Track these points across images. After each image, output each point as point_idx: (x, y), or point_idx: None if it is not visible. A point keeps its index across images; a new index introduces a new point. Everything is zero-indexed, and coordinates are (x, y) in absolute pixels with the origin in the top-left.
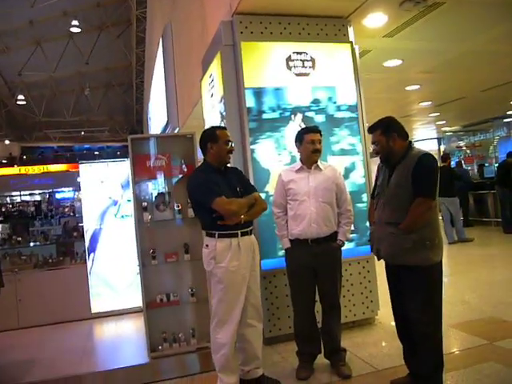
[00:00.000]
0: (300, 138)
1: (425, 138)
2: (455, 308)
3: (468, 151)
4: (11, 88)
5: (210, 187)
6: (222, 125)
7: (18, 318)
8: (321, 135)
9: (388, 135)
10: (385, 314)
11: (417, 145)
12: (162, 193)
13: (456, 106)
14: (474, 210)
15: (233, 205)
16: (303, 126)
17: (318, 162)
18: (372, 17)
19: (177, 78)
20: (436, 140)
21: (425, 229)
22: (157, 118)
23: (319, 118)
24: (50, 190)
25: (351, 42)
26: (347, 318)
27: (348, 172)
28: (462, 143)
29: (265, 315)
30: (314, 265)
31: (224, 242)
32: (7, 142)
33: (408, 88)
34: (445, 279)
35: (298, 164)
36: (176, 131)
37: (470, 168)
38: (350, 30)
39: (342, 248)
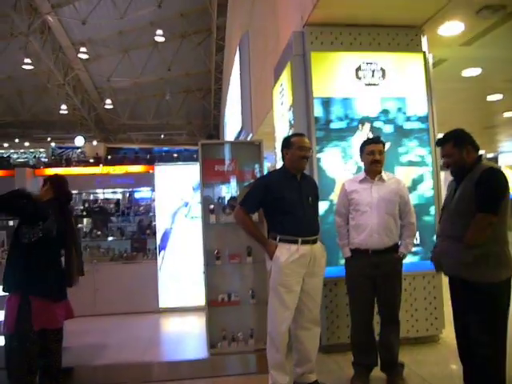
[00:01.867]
0: (362, 148)
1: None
2: None
3: None
4: (100, 93)
5: (252, 193)
6: (291, 133)
7: (94, 305)
8: (383, 146)
9: (461, 147)
10: (450, 332)
11: (504, 157)
12: (229, 197)
13: None
14: None
15: (242, 223)
16: (371, 136)
17: (382, 173)
18: (447, 25)
19: (252, 85)
20: None
21: (489, 244)
22: (232, 123)
23: (387, 129)
24: (129, 190)
25: (424, 52)
26: (409, 333)
27: (416, 184)
28: None
29: (323, 323)
30: (373, 275)
31: (283, 246)
32: (95, 142)
33: (490, 98)
34: None
35: (362, 174)
36: (249, 138)
37: None
38: (424, 40)
39: (407, 261)
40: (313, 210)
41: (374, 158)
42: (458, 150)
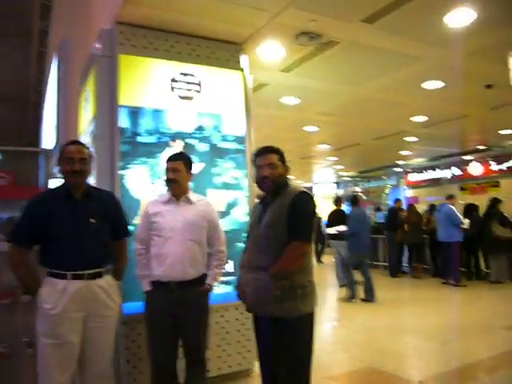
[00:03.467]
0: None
1: (324, 181)
2: (336, 357)
3: (364, 197)
4: None
5: (20, 222)
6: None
7: None
8: (184, 163)
9: (283, 164)
10: None
11: (317, 188)
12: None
13: (352, 152)
14: None
15: (10, 263)
16: None
17: (190, 194)
18: (268, 47)
19: (68, 96)
20: (335, 184)
21: (297, 275)
22: (48, 137)
23: (202, 147)
24: None
25: (243, 70)
26: (221, 369)
27: (230, 208)
28: (358, 188)
29: (124, 368)
30: (176, 312)
31: (49, 283)
32: None
33: (306, 129)
34: (331, 324)
35: (168, 195)
36: None
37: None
38: (244, 58)
39: (219, 292)
40: (96, 237)
41: (167, 177)
42: (281, 165)
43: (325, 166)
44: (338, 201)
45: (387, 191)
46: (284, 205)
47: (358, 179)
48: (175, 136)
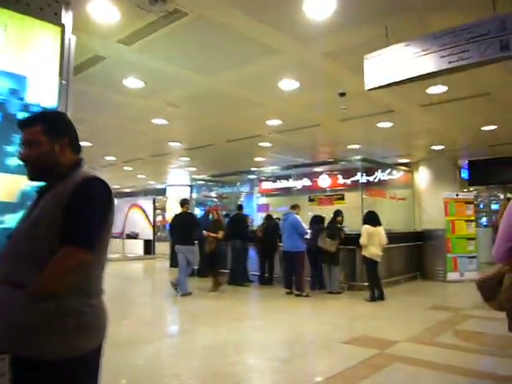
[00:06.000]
0: None
1: (178, 183)
2: None
3: (219, 202)
4: None
5: None
6: None
7: None
8: None
9: (56, 137)
10: None
11: (170, 190)
12: None
13: (205, 153)
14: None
15: None
16: None
17: None
18: (99, 6)
19: None
20: (189, 187)
21: (70, 297)
22: None
23: None
24: None
25: (63, 26)
26: None
27: (26, 199)
28: (212, 193)
29: None
30: None
31: None
32: None
33: (155, 121)
34: (166, 342)
35: None
36: None
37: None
38: (67, 13)
39: None
40: None
41: None
42: (49, 140)
43: (178, 167)
44: (183, 203)
45: (242, 198)
46: (61, 195)
47: (211, 183)
48: None
